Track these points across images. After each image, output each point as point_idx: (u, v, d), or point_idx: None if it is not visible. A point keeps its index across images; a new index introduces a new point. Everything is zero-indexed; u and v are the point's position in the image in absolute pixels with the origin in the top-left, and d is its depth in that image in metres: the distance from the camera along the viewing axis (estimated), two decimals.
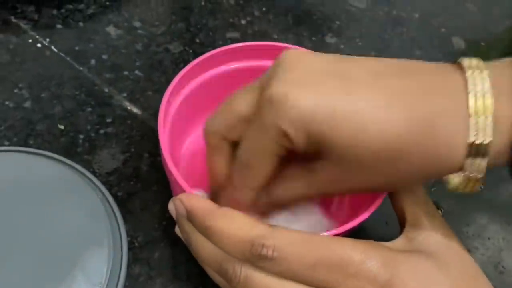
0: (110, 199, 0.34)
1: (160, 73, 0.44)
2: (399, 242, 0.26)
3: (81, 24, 0.46)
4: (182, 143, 0.38)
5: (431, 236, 0.25)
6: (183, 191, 0.28)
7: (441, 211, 0.39)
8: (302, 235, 0.24)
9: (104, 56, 0.44)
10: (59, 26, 0.46)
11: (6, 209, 0.32)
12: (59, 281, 0.30)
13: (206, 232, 0.25)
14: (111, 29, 0.46)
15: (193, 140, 0.38)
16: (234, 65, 0.37)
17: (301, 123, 0.23)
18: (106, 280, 0.30)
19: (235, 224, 0.25)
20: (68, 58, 0.43)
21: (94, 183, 0.35)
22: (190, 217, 0.26)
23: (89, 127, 0.39)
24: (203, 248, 0.26)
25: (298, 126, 0.23)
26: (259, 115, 0.25)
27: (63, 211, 0.33)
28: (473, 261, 0.25)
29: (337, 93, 0.23)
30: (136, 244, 0.34)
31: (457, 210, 0.39)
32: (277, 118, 0.23)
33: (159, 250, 0.33)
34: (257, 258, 0.23)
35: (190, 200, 0.27)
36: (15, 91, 0.41)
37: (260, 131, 0.25)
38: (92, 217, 0.33)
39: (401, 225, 0.28)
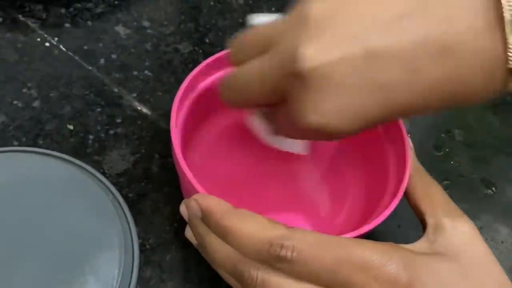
0: (121, 200, 0.34)
1: (169, 74, 0.43)
2: (419, 244, 0.25)
3: (89, 23, 0.46)
4: (192, 144, 0.37)
5: (453, 239, 0.25)
6: (196, 192, 0.28)
7: None
8: (321, 236, 0.23)
9: (113, 56, 0.44)
10: (67, 25, 0.45)
11: (15, 210, 0.32)
12: (70, 283, 0.30)
13: (222, 232, 0.25)
14: (120, 29, 0.46)
15: (204, 141, 0.38)
16: None
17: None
18: (118, 283, 0.30)
19: (253, 224, 0.24)
20: (76, 57, 0.43)
21: (104, 184, 0.35)
22: (206, 217, 0.26)
23: (98, 128, 0.39)
24: (218, 250, 0.25)
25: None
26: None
27: (73, 213, 0.32)
28: (498, 265, 0.25)
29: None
30: (147, 246, 0.33)
31: (469, 213, 0.38)
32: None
33: (171, 253, 0.33)
34: (275, 259, 0.23)
35: (206, 200, 0.26)
36: (24, 90, 0.40)
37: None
38: (103, 219, 0.32)
39: (423, 227, 0.28)
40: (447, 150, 0.42)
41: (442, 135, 0.43)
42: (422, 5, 0.21)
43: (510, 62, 0.20)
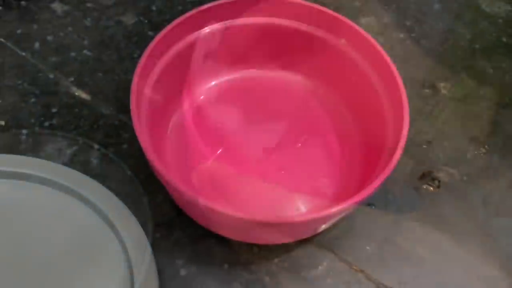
0: None
1: (111, 51, 0.39)
2: None
3: (23, 3, 0.41)
4: (166, 122, 0.33)
5: None
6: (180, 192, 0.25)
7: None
8: None
9: (49, 38, 0.39)
10: None
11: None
12: (76, 274, 0.28)
13: None
14: (57, 6, 0.41)
15: (180, 114, 0.34)
16: (208, 28, 0.33)
17: None
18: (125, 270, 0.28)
19: None
20: (8, 44, 0.39)
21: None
22: None
23: (32, 121, 0.35)
24: None
25: None
26: None
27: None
28: None
29: None
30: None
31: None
32: None
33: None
34: None
35: None
36: None
37: None
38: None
39: None
40: None
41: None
42: None
43: None
